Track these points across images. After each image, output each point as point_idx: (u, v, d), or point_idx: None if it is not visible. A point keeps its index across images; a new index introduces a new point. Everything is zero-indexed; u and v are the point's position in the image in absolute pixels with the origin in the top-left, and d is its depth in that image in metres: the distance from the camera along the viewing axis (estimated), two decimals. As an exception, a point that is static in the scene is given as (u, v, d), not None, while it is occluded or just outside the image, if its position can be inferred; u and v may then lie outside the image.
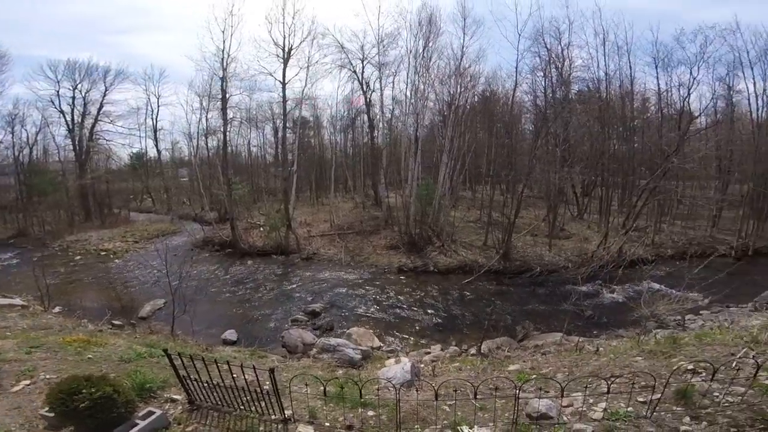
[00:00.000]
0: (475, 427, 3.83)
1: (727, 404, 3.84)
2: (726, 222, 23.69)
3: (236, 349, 9.75)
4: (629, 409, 3.91)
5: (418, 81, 21.99)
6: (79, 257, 21.51)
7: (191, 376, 4.16)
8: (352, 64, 26.37)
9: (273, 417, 4.07)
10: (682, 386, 4.03)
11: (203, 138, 31.66)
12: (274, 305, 14.36)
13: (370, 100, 28.11)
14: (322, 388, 4.23)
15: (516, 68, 33.80)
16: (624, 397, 4.05)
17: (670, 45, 40.49)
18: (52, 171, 31.21)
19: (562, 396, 3.88)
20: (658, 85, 27.38)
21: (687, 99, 26.16)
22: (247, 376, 4.35)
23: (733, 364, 4.49)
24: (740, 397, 3.84)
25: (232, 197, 23.54)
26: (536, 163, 22.14)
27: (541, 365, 6.30)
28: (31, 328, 8.88)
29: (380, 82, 25.34)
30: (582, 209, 26.59)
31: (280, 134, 31.08)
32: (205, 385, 4.16)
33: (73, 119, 31.32)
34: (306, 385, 4.51)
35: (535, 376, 5.49)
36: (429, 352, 9.43)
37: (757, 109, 26.24)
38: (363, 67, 26.71)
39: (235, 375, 4.01)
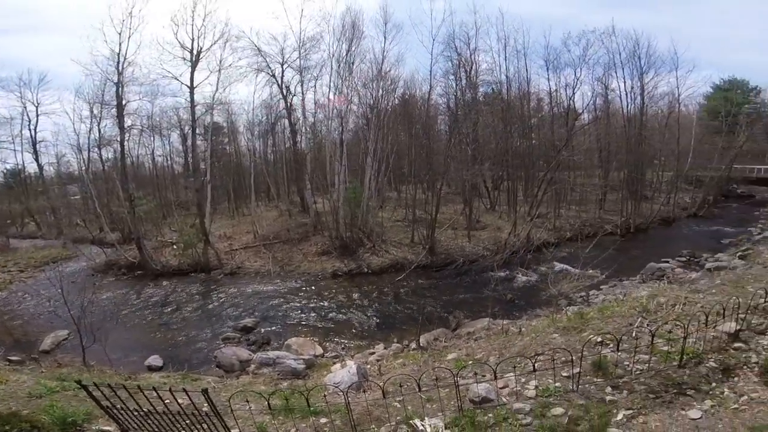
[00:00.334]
0: (426, 419, 4.02)
1: (639, 372, 4.42)
2: (610, 204, 27.89)
3: (164, 374, 9.06)
4: (557, 384, 4.34)
5: (342, 85, 22.14)
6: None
7: (117, 406, 3.82)
8: (270, 67, 25.50)
9: (219, 437, 3.90)
10: (596, 358, 4.62)
11: (96, 150, 27.97)
12: (200, 326, 13.48)
13: (291, 105, 27.47)
14: (266, 402, 4.14)
15: (430, 72, 35.25)
16: (550, 373, 4.45)
17: (558, 48, 46.11)
18: None
19: (496, 378, 4.14)
20: (549, 86, 31.18)
21: (572, 98, 30.29)
22: (181, 400, 4.11)
23: (633, 334, 5.24)
24: (647, 365, 4.47)
25: (136, 214, 21.39)
26: (451, 162, 23.77)
27: (475, 351, 6.79)
28: None
29: (302, 86, 24.92)
30: (494, 202, 29.03)
31: (189, 142, 28.68)
32: (136, 413, 3.83)
33: None
34: (247, 401, 4.39)
35: (471, 362, 5.83)
36: (373, 352, 9.65)
37: (627, 105, 31.22)
38: (283, 71, 26.01)
39: (167, 400, 3.74)
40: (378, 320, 13.06)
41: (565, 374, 4.55)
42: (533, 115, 33.51)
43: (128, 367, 9.82)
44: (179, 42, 21.11)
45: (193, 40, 21.15)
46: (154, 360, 10.58)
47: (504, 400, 4.29)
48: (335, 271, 18.42)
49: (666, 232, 26.22)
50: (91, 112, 25.37)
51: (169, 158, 37.82)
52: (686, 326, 4.47)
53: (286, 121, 29.40)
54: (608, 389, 4.27)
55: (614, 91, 31.48)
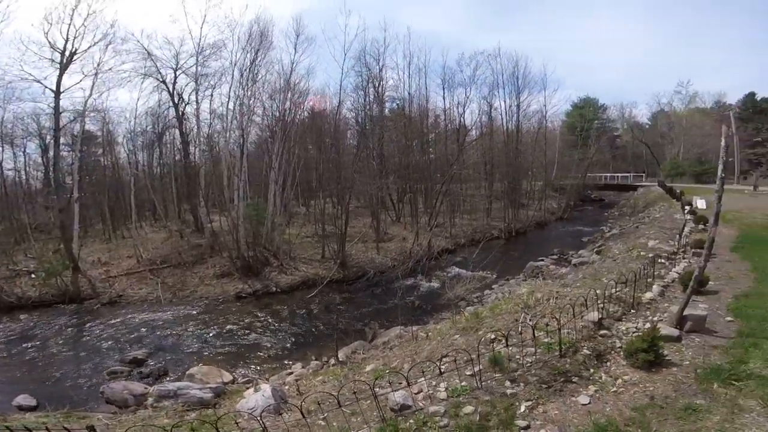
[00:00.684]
0: (353, 433, 4.16)
1: (529, 364, 4.82)
2: (495, 212, 31.62)
3: (41, 414, 7.52)
4: (463, 383, 4.61)
5: (244, 95, 21.09)
6: None
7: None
8: (161, 73, 23.09)
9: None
10: (491, 355, 4.98)
11: None
12: (77, 361, 11.53)
13: (183, 114, 25.13)
14: (169, 436, 3.80)
15: (340, 86, 36.85)
16: (455, 374, 4.72)
17: (453, 68, 51.13)
18: None
19: (409, 384, 4.35)
20: (444, 103, 34.30)
21: (463, 115, 33.79)
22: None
23: (519, 329, 5.82)
24: (534, 357, 4.95)
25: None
26: (358, 175, 24.41)
27: (391, 360, 7.01)
28: None
29: (197, 94, 23.01)
30: (399, 214, 30.51)
31: (51, 153, 24.23)
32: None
33: None
34: (149, 437, 3.97)
35: (387, 371, 5.97)
36: (291, 372, 9.30)
37: (507, 122, 35.85)
38: (176, 78, 23.75)
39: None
40: (293, 339, 12.66)
41: (468, 373, 4.86)
42: (431, 131, 36.37)
43: (-9, 408, 7.97)
44: (49, 42, 18.46)
45: (67, 40, 18.74)
46: (25, 399, 8.98)
47: (420, 404, 4.46)
48: (239, 293, 17.27)
49: (540, 234, 30.89)
50: None
51: (23, 172, 31.22)
52: (559, 318, 5.35)
53: (177, 132, 26.84)
54: (507, 383, 4.64)
55: (497, 109, 35.98)
